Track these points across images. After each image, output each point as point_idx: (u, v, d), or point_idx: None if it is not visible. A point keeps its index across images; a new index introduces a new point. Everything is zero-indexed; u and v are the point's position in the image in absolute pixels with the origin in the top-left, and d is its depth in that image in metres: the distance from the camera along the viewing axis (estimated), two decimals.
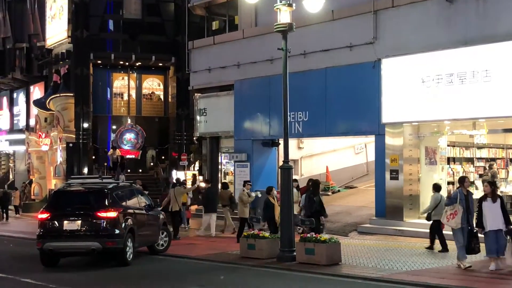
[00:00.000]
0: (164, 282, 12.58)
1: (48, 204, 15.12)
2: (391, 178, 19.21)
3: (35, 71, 42.46)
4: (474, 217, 12.86)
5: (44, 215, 14.29)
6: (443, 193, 16.69)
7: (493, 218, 12.32)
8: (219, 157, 27.45)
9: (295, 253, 14.23)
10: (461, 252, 12.78)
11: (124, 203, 14.93)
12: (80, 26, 34.73)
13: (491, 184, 12.83)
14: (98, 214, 13.99)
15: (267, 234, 15.42)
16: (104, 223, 13.97)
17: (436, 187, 15.73)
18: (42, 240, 14.11)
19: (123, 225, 14.24)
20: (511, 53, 16.46)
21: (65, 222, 14.01)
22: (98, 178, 16.87)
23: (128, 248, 14.36)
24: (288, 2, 14.42)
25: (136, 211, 15.39)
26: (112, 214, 14.04)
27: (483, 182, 17.20)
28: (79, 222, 13.99)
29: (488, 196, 12.52)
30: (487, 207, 12.44)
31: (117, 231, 14.02)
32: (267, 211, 17.04)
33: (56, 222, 14.11)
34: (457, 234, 12.80)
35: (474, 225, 12.75)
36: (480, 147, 21.07)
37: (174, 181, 25.66)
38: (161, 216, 17.23)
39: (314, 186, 16.99)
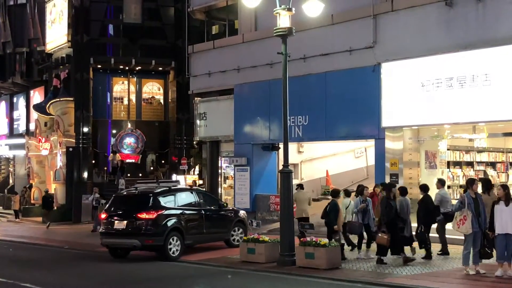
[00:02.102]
0: (163, 286, 12.56)
1: (107, 206, 17.46)
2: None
3: (35, 75, 42.49)
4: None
5: (103, 215, 17.01)
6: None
7: (503, 222, 12.10)
8: (219, 161, 27.43)
9: (295, 257, 14.22)
10: (466, 259, 12.58)
11: (171, 205, 16.66)
12: (80, 31, 34.76)
13: (505, 188, 12.46)
14: (139, 215, 16.00)
15: (266, 238, 15.36)
16: (144, 223, 15.94)
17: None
18: (101, 237, 16.89)
19: (163, 225, 15.98)
20: (511, 57, 16.48)
21: (116, 222, 16.37)
22: (155, 182, 18.88)
23: (171, 245, 15.97)
24: (288, 6, 14.44)
25: (189, 211, 17.08)
26: (151, 215, 15.94)
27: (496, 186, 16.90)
28: (125, 222, 16.13)
29: (502, 200, 12.23)
30: (499, 210, 12.18)
31: (155, 230, 15.85)
32: (332, 216, 14.98)
33: (110, 221, 16.49)
34: (467, 240, 12.54)
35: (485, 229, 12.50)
36: (480, 151, 21.06)
37: None
38: (240, 214, 18.91)
39: (388, 189, 15.04)
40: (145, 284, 12.91)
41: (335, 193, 15.69)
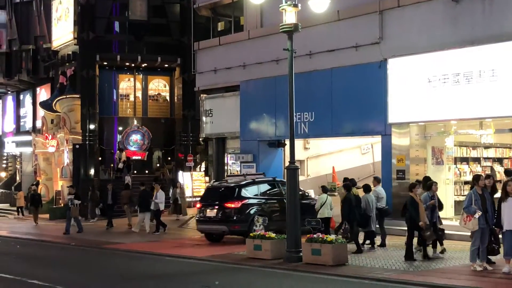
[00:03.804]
0: (169, 283, 12.58)
1: (201, 197, 20.04)
2: (398, 178, 19.18)
3: (41, 73, 42.62)
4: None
5: (198, 205, 19.48)
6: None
7: (511, 218, 11.97)
8: (225, 158, 27.44)
9: (301, 254, 14.21)
10: (474, 255, 12.53)
11: (255, 195, 18.60)
12: (86, 28, 34.82)
13: None
14: (226, 204, 18.11)
15: (273, 234, 15.35)
16: (231, 212, 18.04)
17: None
18: (197, 223, 19.14)
19: (247, 213, 17.89)
20: None
21: (208, 210, 18.56)
22: (242, 176, 20.45)
23: (255, 230, 16.54)
24: (294, 2, 14.40)
25: (271, 200, 18.79)
26: (236, 204, 17.99)
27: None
28: (215, 210, 18.32)
29: (510, 196, 12.09)
30: (506, 206, 12.08)
31: (240, 218, 17.88)
32: (412, 211, 14.15)
33: (203, 210, 18.71)
34: (475, 236, 12.47)
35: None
36: (487, 147, 20.99)
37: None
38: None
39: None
40: (151, 281, 12.92)
41: (411, 187, 14.52)
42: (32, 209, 31.21)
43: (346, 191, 15.92)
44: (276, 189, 19.22)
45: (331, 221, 17.18)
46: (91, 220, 29.23)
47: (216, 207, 18.32)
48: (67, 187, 27.30)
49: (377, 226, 16.58)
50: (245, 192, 18.52)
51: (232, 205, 18.10)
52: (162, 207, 22.87)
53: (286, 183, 19.01)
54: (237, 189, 18.51)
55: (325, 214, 16.86)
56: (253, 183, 19.01)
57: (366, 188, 16.42)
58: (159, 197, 22.70)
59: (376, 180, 17.38)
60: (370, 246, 16.21)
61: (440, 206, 15.01)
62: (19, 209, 34.99)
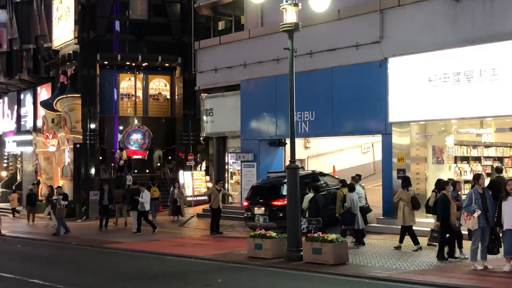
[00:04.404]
0: (169, 282, 12.60)
1: (248, 195, 20.40)
2: (398, 178, 19.16)
3: (42, 72, 42.60)
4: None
5: (245, 203, 20.16)
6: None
7: (511, 217, 11.98)
8: (226, 157, 27.46)
9: (302, 253, 14.23)
10: (474, 254, 12.55)
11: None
12: (86, 27, 34.82)
13: None
14: (273, 202, 18.98)
15: (274, 234, 15.37)
16: (278, 209, 18.55)
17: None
18: (246, 220, 19.84)
19: None
20: None
21: (256, 208, 19.38)
22: (283, 172, 20.61)
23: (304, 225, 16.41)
24: (294, 1, 14.40)
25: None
26: (283, 202, 17.95)
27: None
28: (263, 208, 19.12)
29: (510, 195, 12.10)
30: (507, 206, 12.08)
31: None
32: (445, 210, 13.73)
33: (251, 208, 19.54)
34: (475, 235, 12.51)
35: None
36: (487, 146, 20.99)
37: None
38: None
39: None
40: (152, 280, 12.94)
41: (440, 185, 14.55)
42: (29, 209, 31.20)
43: (314, 192, 16.80)
44: (318, 182, 19.45)
45: None
46: (78, 220, 29.27)
47: (264, 205, 19.23)
48: (55, 188, 26.97)
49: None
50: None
51: (279, 203, 18.71)
52: (147, 207, 22.60)
53: (324, 174, 20.84)
54: (282, 187, 19.07)
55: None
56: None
57: (350, 188, 16.94)
58: (144, 196, 22.44)
59: (354, 180, 18.06)
60: (355, 243, 16.41)
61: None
62: (13, 210, 34.97)
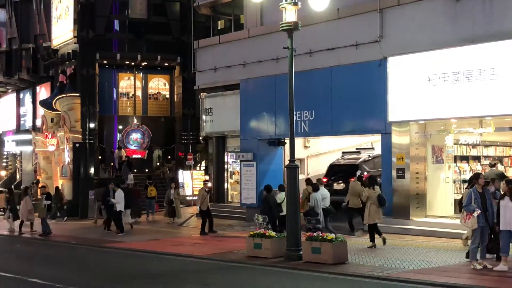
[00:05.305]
0: (169, 282, 12.58)
1: (326, 172, 22.80)
2: (398, 177, 19.18)
3: (41, 71, 42.56)
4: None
5: (324, 179, 21.32)
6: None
7: (506, 218, 12.03)
8: (225, 157, 27.44)
9: (301, 252, 14.22)
10: (474, 253, 12.56)
11: (371, 169, 21.51)
12: (86, 26, 34.75)
13: (508, 183, 12.37)
14: (351, 180, 19.74)
15: (273, 233, 15.35)
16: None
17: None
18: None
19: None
20: None
21: (335, 184, 21.79)
22: (357, 152, 23.68)
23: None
24: (294, 0, 14.39)
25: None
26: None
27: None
28: (342, 184, 21.56)
29: (506, 195, 12.14)
30: (503, 206, 12.11)
31: None
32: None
33: (330, 184, 21.34)
34: (475, 235, 12.51)
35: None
36: (487, 145, 20.98)
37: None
38: None
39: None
40: (151, 279, 12.93)
41: (471, 180, 13.87)
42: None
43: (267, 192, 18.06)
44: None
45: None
46: (53, 220, 29.10)
47: (342, 181, 21.47)
48: (39, 187, 26.70)
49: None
50: (365, 167, 21.88)
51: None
52: (120, 207, 22.08)
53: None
54: (358, 165, 21.75)
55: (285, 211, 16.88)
56: (370, 158, 22.49)
57: (315, 188, 18.04)
58: (116, 196, 22.03)
59: (319, 182, 18.94)
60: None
61: None
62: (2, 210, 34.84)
